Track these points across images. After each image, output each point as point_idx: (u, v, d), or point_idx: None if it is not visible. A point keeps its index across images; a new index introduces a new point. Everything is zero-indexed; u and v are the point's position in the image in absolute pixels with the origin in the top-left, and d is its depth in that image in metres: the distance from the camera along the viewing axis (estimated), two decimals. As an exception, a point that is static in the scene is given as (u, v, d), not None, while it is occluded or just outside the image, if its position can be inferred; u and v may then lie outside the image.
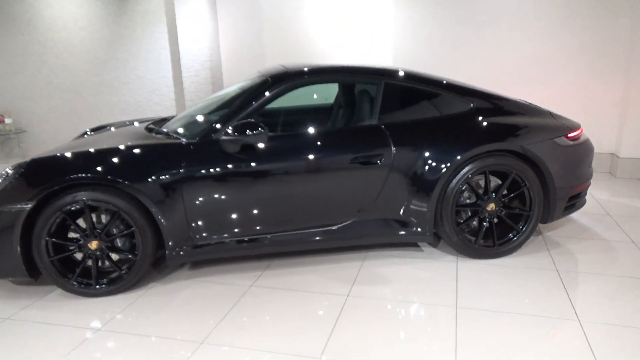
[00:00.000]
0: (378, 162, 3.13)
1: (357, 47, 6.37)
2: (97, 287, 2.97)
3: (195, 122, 3.31)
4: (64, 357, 2.39)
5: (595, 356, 2.29)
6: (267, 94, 3.16)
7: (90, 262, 2.98)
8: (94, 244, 2.94)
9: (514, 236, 3.35)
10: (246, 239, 3.13)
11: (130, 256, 2.99)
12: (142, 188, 2.87)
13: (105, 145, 3.08)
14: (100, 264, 3.05)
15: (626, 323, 2.55)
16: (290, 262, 3.38)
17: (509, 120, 3.36)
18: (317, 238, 3.21)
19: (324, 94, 4.62)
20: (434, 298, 2.86)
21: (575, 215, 4.19)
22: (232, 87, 3.78)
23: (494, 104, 3.44)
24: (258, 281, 3.13)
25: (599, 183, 5.18)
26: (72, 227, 2.96)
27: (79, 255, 3.01)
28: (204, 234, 3.06)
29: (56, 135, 7.42)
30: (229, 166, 2.99)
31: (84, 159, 2.92)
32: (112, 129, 3.99)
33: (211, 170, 2.98)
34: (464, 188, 3.27)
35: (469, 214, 3.35)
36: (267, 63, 6.60)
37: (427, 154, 3.18)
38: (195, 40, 6.66)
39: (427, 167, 3.16)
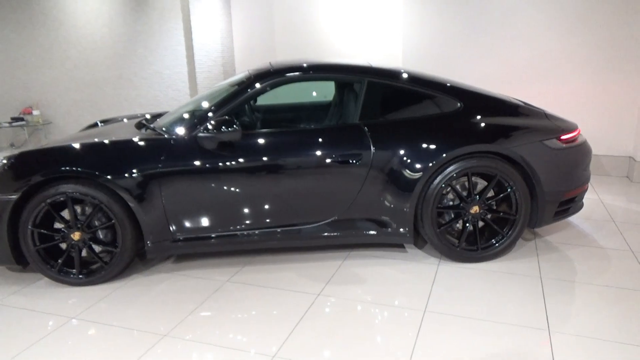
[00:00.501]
0: (356, 161, 3.10)
1: (367, 44, 6.31)
2: (77, 276, 3.08)
3: (180, 118, 3.37)
4: (32, 344, 2.50)
5: (555, 369, 2.21)
6: (248, 91, 3.18)
7: (74, 253, 3.09)
8: (76, 235, 3.05)
9: (496, 242, 3.25)
10: (224, 235, 3.17)
11: (111, 249, 3.09)
12: (121, 182, 2.95)
13: (94, 139, 3.18)
14: (85, 254, 3.16)
15: (598, 335, 2.44)
16: (271, 259, 3.41)
17: (497, 121, 3.25)
18: (295, 236, 3.22)
19: (325, 92, 4.62)
20: (404, 301, 2.82)
21: (576, 220, 4.03)
22: (222, 82, 3.82)
23: (483, 104, 3.34)
24: (235, 277, 3.17)
25: (613, 187, 4.95)
26: (56, 218, 3.08)
27: (63, 246, 3.13)
28: (182, 229, 3.12)
29: (79, 127, 7.69)
30: (206, 162, 3.04)
31: (67, 153, 3.03)
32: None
33: (188, 166, 3.03)
34: (447, 190, 3.20)
35: (452, 216, 3.28)
36: (278, 58, 6.63)
37: (407, 154, 3.12)
38: (208, 37, 6.76)
39: (407, 168, 3.11)
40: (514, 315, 2.64)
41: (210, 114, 3.12)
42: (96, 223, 3.09)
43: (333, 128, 3.35)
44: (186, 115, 3.34)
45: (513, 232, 3.24)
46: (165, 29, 6.77)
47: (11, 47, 7.76)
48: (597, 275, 3.08)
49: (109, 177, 2.93)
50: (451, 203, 3.28)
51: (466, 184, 3.25)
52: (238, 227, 3.16)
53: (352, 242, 3.33)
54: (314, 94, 4.62)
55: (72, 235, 3.05)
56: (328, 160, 3.09)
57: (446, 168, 3.10)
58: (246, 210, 3.14)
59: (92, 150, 3.04)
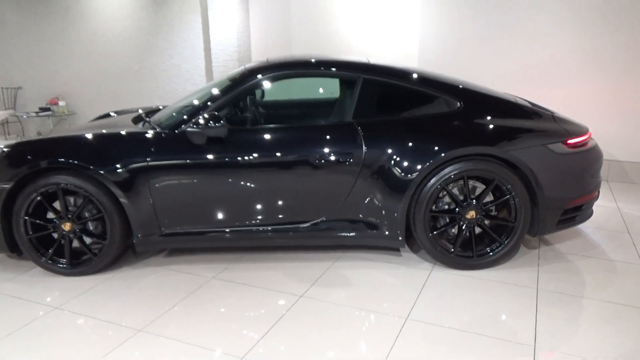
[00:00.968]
0: (347, 160, 3.01)
1: (384, 42, 6.18)
2: (67, 266, 3.11)
3: (174, 112, 3.36)
4: (10, 333, 2.54)
5: (533, 389, 2.07)
6: (240, 86, 3.14)
7: (65, 243, 3.13)
8: (67, 226, 3.09)
9: (491, 250, 3.10)
10: (212, 232, 3.15)
11: (100, 240, 3.11)
12: (109, 175, 2.96)
13: (92, 132, 3.20)
14: (77, 244, 3.20)
15: (585, 354, 2.28)
16: (262, 257, 3.36)
17: (498, 122, 3.10)
18: (283, 235, 3.16)
19: (334, 88, 4.53)
20: (387, 307, 2.72)
21: (588, 228, 3.81)
22: (222, 77, 3.79)
23: (485, 104, 3.19)
24: (222, 274, 3.15)
25: (633, 195, 4.66)
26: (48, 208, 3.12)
27: (56, 236, 3.17)
28: (171, 224, 3.11)
29: (102, 118, 7.88)
30: (194, 158, 3.01)
31: (60, 145, 3.07)
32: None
33: (177, 160, 3.01)
34: (443, 194, 3.07)
35: (447, 220, 3.14)
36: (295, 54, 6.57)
37: (400, 154, 3.01)
38: (225, 32, 6.76)
39: (400, 169, 3.00)
40: (499, 329, 2.50)
41: (201, 109, 3.09)
42: (86, 215, 3.12)
43: (325, 126, 3.26)
44: (180, 110, 3.33)
45: (511, 240, 3.08)
46: (184, 22, 6.82)
47: (41, 39, 7.99)
48: (599, 289, 2.90)
49: (98, 169, 2.95)
50: (447, 207, 3.15)
51: (463, 188, 3.11)
52: (226, 223, 3.13)
53: (341, 243, 3.25)
54: (321, 90, 4.53)
55: (62, 226, 3.09)
56: (318, 159, 3.01)
57: (440, 170, 2.97)
58: (234, 207, 3.11)
59: (84, 142, 3.07)
